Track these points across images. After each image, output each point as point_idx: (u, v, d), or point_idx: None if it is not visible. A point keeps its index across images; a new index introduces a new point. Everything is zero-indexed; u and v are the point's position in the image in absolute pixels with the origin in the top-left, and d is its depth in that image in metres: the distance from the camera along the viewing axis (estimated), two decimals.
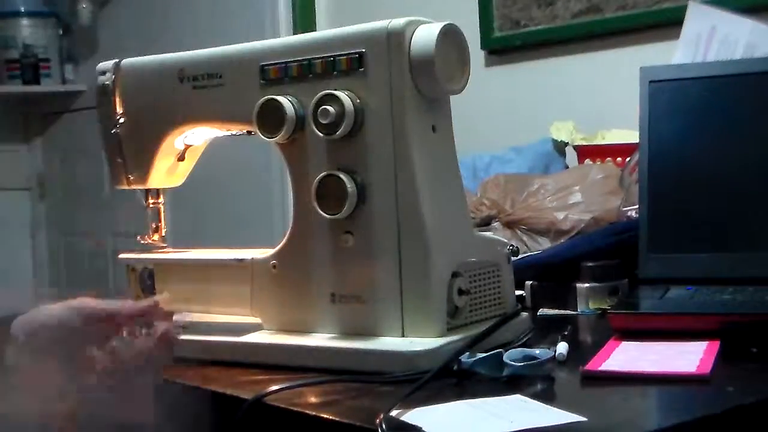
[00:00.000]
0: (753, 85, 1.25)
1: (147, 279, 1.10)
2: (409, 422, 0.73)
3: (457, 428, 0.73)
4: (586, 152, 1.73)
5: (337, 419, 0.77)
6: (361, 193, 0.94)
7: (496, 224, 1.47)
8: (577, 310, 1.21)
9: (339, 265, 0.96)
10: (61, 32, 3.52)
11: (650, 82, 1.27)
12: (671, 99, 1.27)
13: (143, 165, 1.11)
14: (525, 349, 0.90)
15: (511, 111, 2.15)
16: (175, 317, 0.99)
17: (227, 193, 2.78)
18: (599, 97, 1.96)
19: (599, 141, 1.77)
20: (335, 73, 0.95)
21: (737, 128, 1.24)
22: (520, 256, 1.18)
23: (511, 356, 0.86)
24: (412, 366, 0.87)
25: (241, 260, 1.02)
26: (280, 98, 0.97)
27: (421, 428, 0.72)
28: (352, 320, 0.95)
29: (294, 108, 0.97)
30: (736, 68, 1.29)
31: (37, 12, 3.48)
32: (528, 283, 1.26)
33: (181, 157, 1.12)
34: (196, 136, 1.11)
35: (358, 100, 0.94)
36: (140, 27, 3.15)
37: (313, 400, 0.83)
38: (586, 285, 1.21)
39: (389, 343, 0.92)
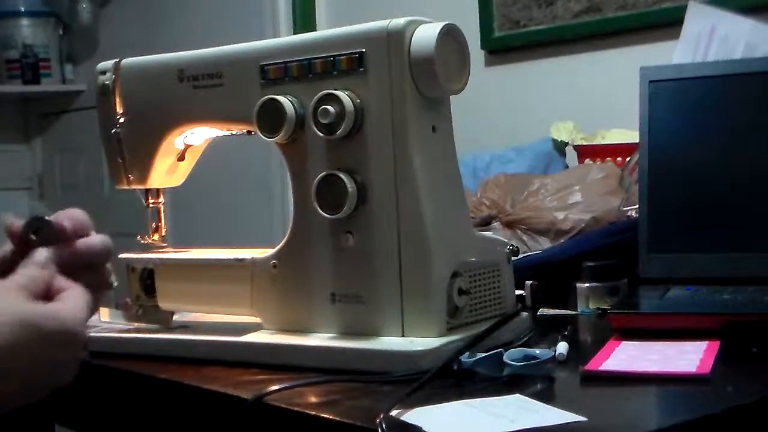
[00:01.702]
0: (753, 85, 1.25)
1: (147, 279, 1.10)
2: (409, 422, 0.73)
3: (457, 428, 0.73)
4: (586, 152, 1.73)
5: (337, 419, 0.76)
6: (361, 193, 0.94)
7: (496, 224, 1.47)
8: (577, 310, 1.21)
9: (339, 265, 0.96)
10: (61, 32, 3.52)
11: (650, 82, 1.27)
12: (671, 99, 1.27)
13: (143, 165, 1.11)
14: (525, 349, 0.89)
15: (511, 111, 2.15)
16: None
17: (227, 193, 2.79)
18: (599, 97, 1.96)
19: (599, 141, 1.77)
20: (335, 73, 0.95)
21: (737, 128, 1.24)
22: (520, 256, 1.18)
23: (511, 356, 0.86)
24: (412, 366, 0.87)
25: (241, 260, 1.02)
26: (280, 98, 0.97)
27: (421, 428, 0.72)
28: (352, 320, 0.95)
29: (294, 108, 0.97)
30: (736, 68, 1.29)
31: (37, 12, 3.48)
32: (528, 283, 1.26)
33: (181, 157, 1.12)
34: (196, 136, 1.11)
35: (358, 100, 0.94)
36: (140, 27, 3.15)
37: (313, 400, 0.83)
38: (586, 285, 1.21)
39: (389, 343, 0.92)
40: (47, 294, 0.71)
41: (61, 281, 0.72)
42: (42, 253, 0.72)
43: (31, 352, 0.66)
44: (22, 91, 3.50)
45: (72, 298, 0.71)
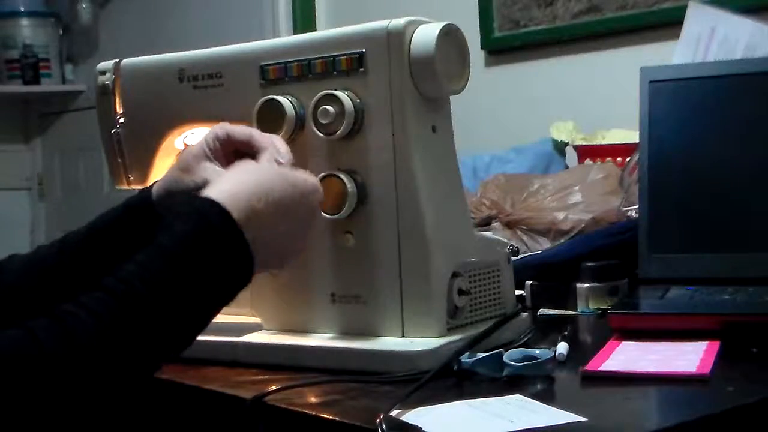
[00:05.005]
0: (753, 85, 1.25)
1: None
2: (409, 422, 0.73)
3: (457, 428, 0.73)
4: (586, 152, 1.73)
5: (337, 419, 0.77)
6: (361, 193, 0.94)
7: (496, 224, 1.47)
8: (577, 310, 1.21)
9: (339, 265, 0.96)
10: (61, 32, 3.52)
11: (650, 82, 1.27)
12: (671, 99, 1.27)
13: (143, 165, 1.11)
14: (525, 349, 0.90)
15: (511, 111, 2.15)
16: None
17: None
18: (599, 97, 1.96)
19: (599, 141, 1.77)
20: (335, 73, 0.95)
21: (737, 128, 1.24)
22: (520, 256, 1.18)
23: (511, 356, 0.86)
24: (412, 366, 0.87)
25: None
26: (280, 98, 0.97)
27: (421, 428, 0.72)
28: (352, 320, 0.95)
29: (294, 108, 0.97)
30: (736, 68, 1.29)
31: (37, 12, 3.48)
32: (528, 283, 1.26)
33: None
34: (196, 136, 1.11)
35: (358, 100, 0.94)
36: (140, 27, 3.15)
37: (313, 400, 0.83)
38: (586, 285, 1.21)
39: (389, 343, 0.92)
40: None
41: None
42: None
43: (290, 206, 0.82)
44: (22, 91, 3.50)
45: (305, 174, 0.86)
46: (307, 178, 0.86)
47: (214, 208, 0.77)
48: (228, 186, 0.80)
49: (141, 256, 0.74)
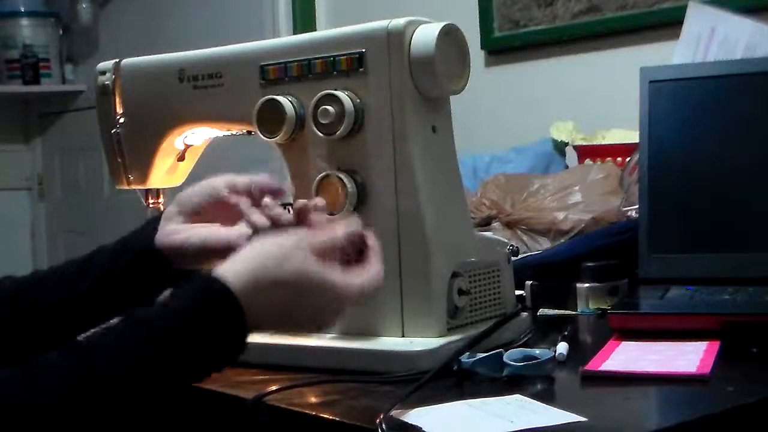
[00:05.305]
0: (753, 85, 1.25)
1: None
2: (409, 422, 0.73)
3: (457, 428, 0.73)
4: (586, 152, 1.73)
5: (337, 419, 0.77)
6: (361, 193, 0.94)
7: (496, 224, 1.47)
8: (577, 310, 1.21)
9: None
10: (61, 32, 3.52)
11: (650, 82, 1.27)
12: (671, 99, 1.27)
13: (143, 165, 1.11)
14: (525, 349, 0.90)
15: (511, 111, 2.15)
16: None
17: None
18: (599, 97, 1.96)
19: (599, 141, 1.77)
20: (335, 73, 0.95)
21: (737, 128, 1.24)
22: (520, 256, 1.18)
23: (511, 356, 0.86)
24: (412, 366, 0.87)
25: None
26: (280, 98, 0.97)
27: (421, 428, 0.72)
28: (352, 320, 0.95)
29: (294, 108, 0.97)
30: (736, 68, 1.29)
31: (37, 12, 3.48)
32: (528, 283, 1.26)
33: (181, 157, 1.12)
34: (196, 136, 1.11)
35: (358, 100, 0.94)
36: (140, 27, 3.15)
37: (313, 400, 0.83)
38: (586, 285, 1.21)
39: (389, 343, 0.92)
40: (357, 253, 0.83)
41: (372, 251, 0.84)
42: (351, 224, 0.84)
43: (299, 294, 0.78)
44: (22, 91, 3.50)
45: (363, 275, 0.81)
46: (339, 282, 0.80)
47: (217, 284, 0.76)
48: (241, 258, 0.78)
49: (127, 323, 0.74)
